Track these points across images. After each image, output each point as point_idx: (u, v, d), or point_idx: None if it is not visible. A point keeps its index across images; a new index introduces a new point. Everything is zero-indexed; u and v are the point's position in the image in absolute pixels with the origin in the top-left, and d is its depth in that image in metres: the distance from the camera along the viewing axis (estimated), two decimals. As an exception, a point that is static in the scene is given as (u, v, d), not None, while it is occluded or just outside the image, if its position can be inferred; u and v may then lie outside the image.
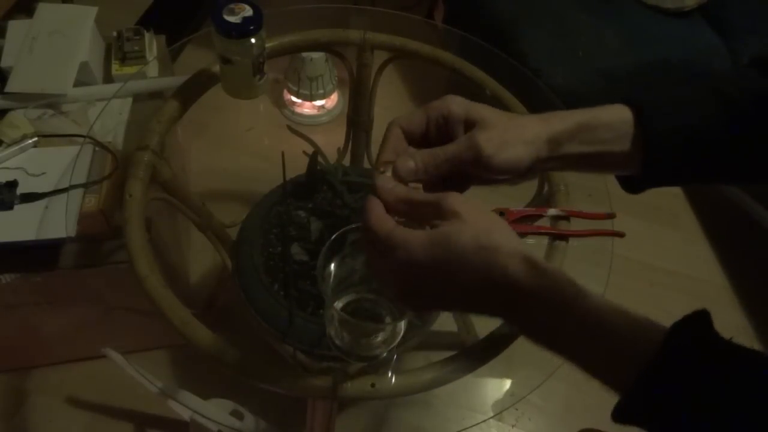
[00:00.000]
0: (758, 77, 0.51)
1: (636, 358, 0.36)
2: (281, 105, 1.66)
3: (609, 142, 0.49)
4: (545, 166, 0.50)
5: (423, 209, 0.44)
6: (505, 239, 0.41)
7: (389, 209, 0.44)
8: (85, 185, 0.90)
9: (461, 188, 0.51)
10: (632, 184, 0.53)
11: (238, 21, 0.72)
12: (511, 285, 0.40)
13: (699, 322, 0.37)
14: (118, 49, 1.11)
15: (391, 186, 0.45)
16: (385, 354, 0.63)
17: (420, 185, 0.49)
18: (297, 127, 0.98)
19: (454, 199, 0.42)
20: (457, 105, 0.49)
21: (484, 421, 1.22)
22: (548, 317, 0.40)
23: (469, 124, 0.49)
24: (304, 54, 1.50)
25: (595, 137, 0.49)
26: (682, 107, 0.50)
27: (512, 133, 0.47)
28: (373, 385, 0.62)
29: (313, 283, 0.81)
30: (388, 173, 0.48)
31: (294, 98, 1.61)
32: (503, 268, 0.40)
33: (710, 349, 0.37)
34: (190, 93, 0.83)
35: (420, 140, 0.51)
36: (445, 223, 0.41)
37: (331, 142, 0.97)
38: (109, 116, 1.01)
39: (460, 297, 0.42)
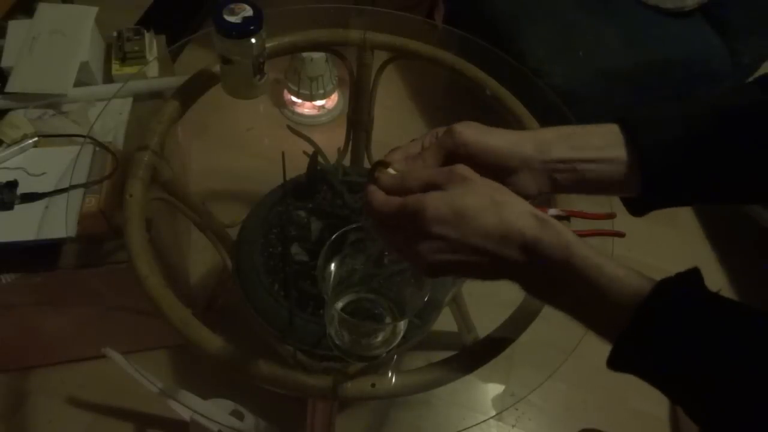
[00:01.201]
0: (759, 93, 0.50)
1: (629, 305, 0.39)
2: (281, 105, 1.67)
3: (601, 149, 0.49)
4: (538, 174, 0.49)
5: (437, 178, 0.45)
6: (513, 198, 0.44)
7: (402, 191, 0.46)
8: (85, 185, 0.90)
9: None
10: (637, 207, 0.53)
11: (238, 21, 0.72)
12: (520, 235, 0.42)
13: (689, 276, 0.40)
14: (119, 49, 1.11)
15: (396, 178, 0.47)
16: (385, 354, 0.63)
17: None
18: (297, 127, 0.98)
19: (463, 168, 0.44)
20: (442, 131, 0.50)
21: (484, 421, 1.22)
22: (549, 262, 0.42)
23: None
24: (304, 54, 1.50)
25: (586, 142, 0.49)
26: (671, 121, 0.50)
27: (494, 129, 0.50)
28: (373, 385, 0.62)
29: (313, 283, 0.81)
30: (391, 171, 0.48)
31: (294, 98, 1.61)
32: (515, 218, 0.43)
33: (698, 298, 0.39)
34: (190, 93, 0.83)
35: None
36: (458, 184, 0.44)
37: (331, 142, 0.97)
38: (109, 116, 1.01)
39: (479, 248, 0.43)
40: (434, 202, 0.43)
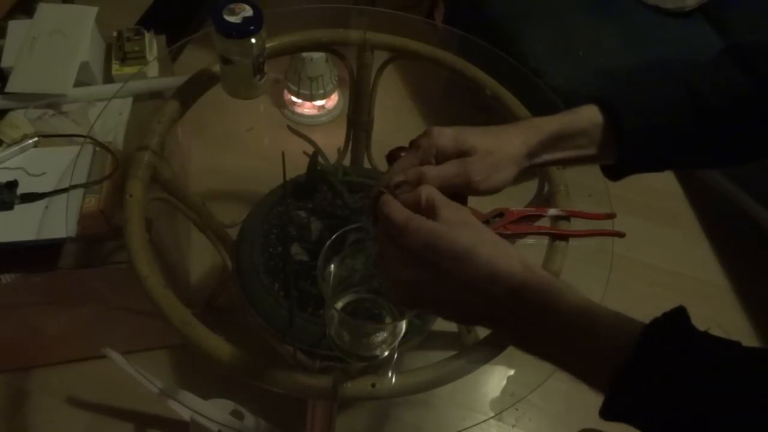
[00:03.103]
0: (734, 70, 0.54)
1: (615, 355, 0.38)
2: (281, 105, 1.66)
3: (584, 147, 0.54)
4: (526, 171, 0.55)
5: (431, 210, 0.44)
6: (505, 247, 0.43)
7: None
8: (85, 185, 0.90)
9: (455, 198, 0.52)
10: (612, 173, 0.58)
11: (238, 21, 0.72)
12: (506, 279, 0.41)
13: (676, 317, 0.38)
14: (119, 49, 1.11)
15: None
16: (385, 354, 0.63)
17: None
18: (297, 127, 0.98)
19: (464, 214, 0.44)
20: (445, 139, 0.51)
21: (484, 421, 1.22)
22: (531, 316, 0.41)
23: (460, 154, 0.51)
24: (305, 54, 1.50)
25: (571, 144, 0.54)
26: (653, 106, 0.54)
27: (498, 156, 0.51)
28: (373, 385, 0.62)
29: (313, 283, 0.81)
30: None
31: (294, 98, 1.61)
32: (504, 264, 0.41)
33: (687, 343, 0.37)
34: (190, 93, 0.83)
35: None
36: (459, 226, 0.43)
37: (331, 142, 0.97)
38: (109, 116, 1.01)
39: (459, 294, 0.42)
40: (432, 233, 0.41)
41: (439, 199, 0.44)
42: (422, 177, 0.48)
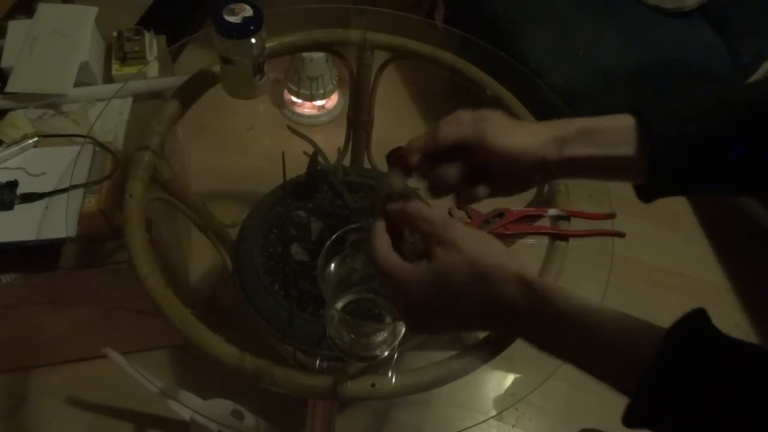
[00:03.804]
0: (765, 86, 0.51)
1: (637, 361, 0.37)
2: (281, 105, 1.67)
3: (613, 145, 0.50)
4: (553, 171, 0.51)
5: (423, 226, 0.46)
6: (497, 262, 0.43)
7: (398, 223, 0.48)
8: (85, 185, 0.90)
9: (472, 196, 0.52)
10: (645, 193, 0.53)
11: (238, 21, 0.72)
12: (507, 308, 0.43)
13: (697, 319, 0.38)
14: (119, 49, 1.11)
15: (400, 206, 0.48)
16: (385, 354, 0.63)
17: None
18: (297, 127, 0.98)
19: (450, 225, 0.45)
20: (465, 114, 0.51)
21: (484, 421, 1.22)
22: (545, 331, 0.42)
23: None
24: (305, 54, 1.50)
25: (600, 140, 0.50)
26: (685, 116, 0.50)
27: (519, 127, 0.50)
28: (373, 385, 0.62)
29: (313, 283, 0.81)
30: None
31: (294, 98, 1.61)
32: (499, 294, 0.43)
33: (710, 346, 0.37)
34: (190, 93, 0.83)
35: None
36: (441, 251, 0.44)
37: (331, 142, 0.97)
38: (109, 116, 1.01)
39: (463, 321, 0.46)
40: (419, 286, 0.44)
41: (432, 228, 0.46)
42: (438, 126, 0.50)
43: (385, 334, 0.62)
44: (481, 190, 0.52)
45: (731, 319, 1.43)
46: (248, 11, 0.72)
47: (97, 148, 0.94)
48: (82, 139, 0.97)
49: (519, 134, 0.50)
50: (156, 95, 1.08)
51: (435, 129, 0.50)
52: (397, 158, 0.51)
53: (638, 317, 0.40)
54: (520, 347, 0.69)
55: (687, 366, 0.36)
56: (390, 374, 0.63)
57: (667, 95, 0.53)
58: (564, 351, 0.42)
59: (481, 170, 0.51)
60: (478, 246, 0.44)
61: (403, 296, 0.45)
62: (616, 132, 0.50)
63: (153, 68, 1.12)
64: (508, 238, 0.77)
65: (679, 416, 0.37)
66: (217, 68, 0.81)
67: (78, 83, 1.04)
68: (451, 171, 0.50)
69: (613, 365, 0.39)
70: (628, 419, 0.38)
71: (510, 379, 1.25)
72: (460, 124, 0.50)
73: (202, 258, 1.32)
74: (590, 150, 0.50)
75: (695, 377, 0.36)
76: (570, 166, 0.51)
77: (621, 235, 0.74)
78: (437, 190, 0.51)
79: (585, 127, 0.50)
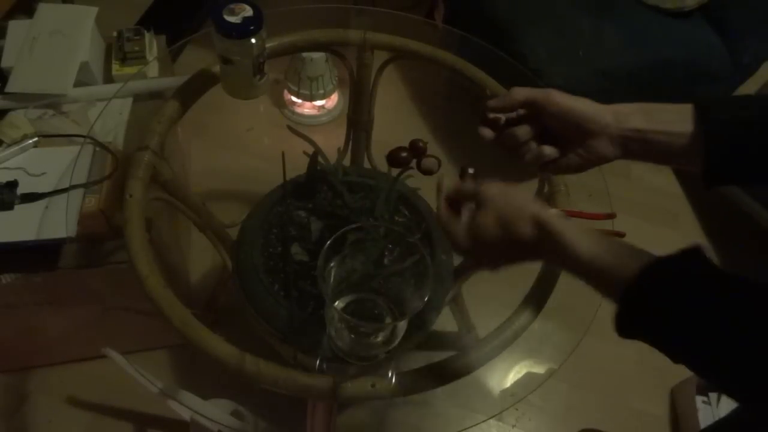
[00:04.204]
0: None
1: (625, 277, 0.45)
2: (281, 105, 1.67)
3: (671, 122, 0.53)
4: (614, 140, 0.56)
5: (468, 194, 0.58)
6: (514, 209, 0.54)
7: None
8: (85, 185, 0.90)
9: (541, 155, 0.59)
10: (706, 180, 0.55)
11: (238, 21, 0.72)
12: (523, 243, 0.53)
13: (691, 250, 0.45)
14: (119, 49, 1.11)
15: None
16: (385, 354, 0.63)
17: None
18: (297, 127, 0.98)
19: (484, 189, 0.57)
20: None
21: (484, 421, 1.22)
22: (555, 259, 0.53)
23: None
24: (304, 54, 1.50)
25: (658, 117, 0.54)
26: (741, 103, 0.54)
27: (579, 98, 0.57)
28: (373, 385, 0.62)
29: (313, 283, 0.81)
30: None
31: (294, 98, 1.61)
32: (516, 234, 0.54)
33: (697, 266, 0.44)
34: (190, 93, 0.83)
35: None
36: (480, 210, 0.56)
37: (331, 142, 0.97)
38: (110, 116, 1.01)
39: (505, 255, 0.56)
40: (467, 234, 0.56)
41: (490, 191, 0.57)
42: (507, 95, 0.59)
43: (385, 334, 0.62)
44: (548, 149, 0.59)
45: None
46: (248, 11, 0.72)
47: (97, 148, 0.94)
48: (82, 139, 0.97)
49: (581, 101, 0.57)
50: (156, 95, 1.08)
51: (506, 93, 0.59)
52: (481, 114, 0.60)
53: (635, 246, 0.48)
54: (519, 347, 0.69)
55: (669, 278, 0.44)
56: (390, 374, 0.63)
57: (667, 95, 0.55)
58: (572, 273, 0.51)
59: (549, 133, 0.59)
60: (502, 199, 0.55)
61: (459, 241, 0.56)
62: (673, 112, 0.54)
63: (153, 68, 1.12)
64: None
65: (662, 320, 0.43)
66: (217, 68, 0.81)
67: (78, 83, 1.04)
68: (522, 130, 0.58)
69: (607, 282, 0.47)
70: (619, 326, 0.46)
71: (510, 379, 1.25)
72: (529, 89, 0.58)
73: (202, 258, 1.32)
74: (648, 124, 0.54)
75: (678, 285, 0.43)
76: (632, 138, 0.55)
77: (621, 235, 0.74)
78: (509, 146, 0.60)
79: (644, 106, 0.55)
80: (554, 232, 0.51)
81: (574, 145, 0.57)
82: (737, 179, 0.54)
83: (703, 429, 0.64)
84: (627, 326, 0.46)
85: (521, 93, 0.59)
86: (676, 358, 0.43)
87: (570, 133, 0.57)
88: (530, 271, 0.71)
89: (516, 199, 0.55)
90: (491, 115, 0.59)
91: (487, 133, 0.60)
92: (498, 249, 0.55)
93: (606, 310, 0.49)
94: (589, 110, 0.56)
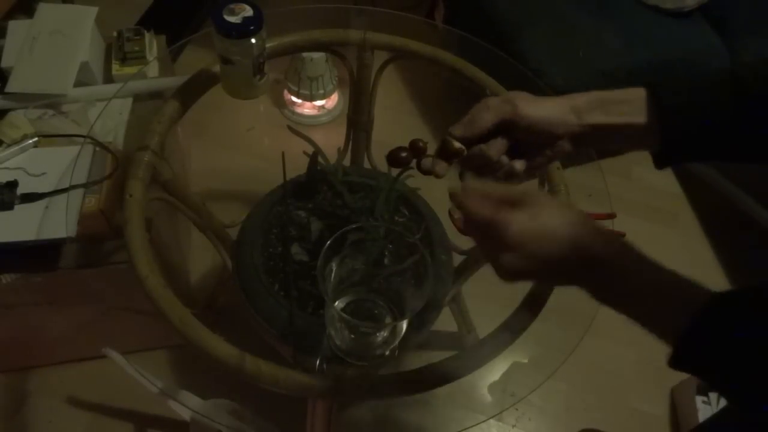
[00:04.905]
0: None
1: (689, 310, 0.43)
2: (281, 105, 1.67)
3: (628, 114, 0.55)
4: (578, 139, 0.57)
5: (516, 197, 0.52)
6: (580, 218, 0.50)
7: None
8: (85, 185, 0.90)
9: (512, 171, 0.58)
10: (659, 160, 0.58)
11: (238, 21, 0.72)
12: (587, 251, 0.49)
13: (744, 291, 0.43)
14: (119, 49, 1.11)
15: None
16: (385, 354, 0.63)
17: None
18: (297, 127, 0.98)
19: (538, 195, 0.52)
20: (492, 99, 0.57)
21: (484, 421, 1.22)
22: (615, 277, 0.48)
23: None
24: (305, 54, 1.50)
25: (616, 110, 0.55)
26: (694, 86, 0.54)
27: (543, 99, 0.57)
28: (373, 385, 0.62)
29: (313, 283, 0.81)
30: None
31: (294, 98, 1.61)
32: (582, 239, 0.49)
33: (757, 303, 0.42)
34: (190, 93, 0.83)
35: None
36: (535, 207, 0.51)
37: (331, 142, 0.97)
38: (110, 116, 1.01)
39: (550, 262, 0.50)
40: (518, 224, 0.49)
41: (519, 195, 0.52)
42: (475, 112, 0.56)
43: (385, 334, 0.62)
44: (518, 164, 0.58)
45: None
46: (248, 11, 0.72)
47: (97, 148, 0.94)
48: (82, 139, 0.97)
49: (545, 105, 0.56)
50: (156, 95, 1.08)
51: (471, 118, 0.57)
52: (439, 149, 0.57)
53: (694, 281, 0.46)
54: (520, 348, 0.69)
55: (729, 316, 0.42)
56: (390, 374, 0.63)
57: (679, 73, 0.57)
58: (625, 297, 0.48)
59: (516, 149, 0.57)
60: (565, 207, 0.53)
61: (506, 238, 0.50)
62: (629, 103, 0.55)
63: (153, 68, 1.12)
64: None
65: (719, 361, 0.42)
66: (217, 68, 0.81)
67: (78, 83, 1.04)
68: (493, 149, 0.57)
69: (667, 313, 0.45)
70: (674, 360, 0.44)
71: (510, 379, 1.25)
72: (493, 108, 0.56)
73: (202, 258, 1.32)
74: (607, 118, 0.55)
75: (736, 325, 0.41)
76: (591, 133, 0.56)
77: (621, 235, 0.74)
78: (478, 165, 0.58)
79: (601, 98, 0.56)
80: (619, 242, 0.49)
81: (542, 148, 0.58)
82: (688, 160, 0.57)
83: (701, 423, 0.64)
84: (683, 362, 0.44)
85: (487, 118, 0.56)
86: (729, 394, 0.44)
87: (539, 139, 0.57)
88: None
89: (572, 213, 0.51)
90: (456, 145, 0.56)
91: (441, 169, 0.57)
92: (554, 248, 0.49)
93: (606, 309, 0.49)
94: (556, 114, 0.56)
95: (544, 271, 0.50)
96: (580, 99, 0.57)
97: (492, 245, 0.51)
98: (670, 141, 0.54)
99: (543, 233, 0.49)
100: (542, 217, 0.49)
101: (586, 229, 0.49)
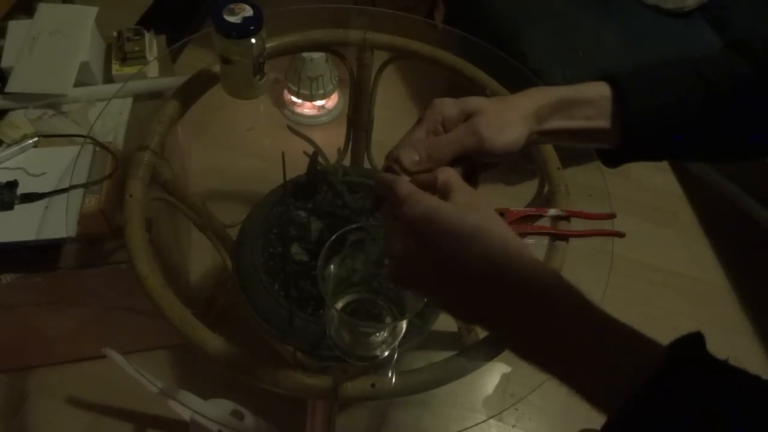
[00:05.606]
0: (738, 60, 0.53)
1: (633, 375, 0.35)
2: (281, 105, 1.67)
3: (591, 118, 0.52)
4: (533, 139, 0.52)
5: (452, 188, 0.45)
6: (505, 241, 0.40)
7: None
8: (85, 185, 0.90)
9: (469, 178, 0.52)
10: (612, 159, 0.56)
11: (238, 21, 0.72)
12: (508, 272, 0.39)
13: (694, 343, 0.36)
14: (119, 49, 1.11)
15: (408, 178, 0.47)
16: (385, 354, 0.63)
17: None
18: (297, 127, 0.98)
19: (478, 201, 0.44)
20: (448, 108, 0.51)
21: (484, 421, 1.22)
22: (535, 316, 0.39)
23: (467, 118, 0.51)
24: (305, 54, 1.50)
25: (578, 113, 0.52)
26: (661, 87, 0.53)
27: (507, 115, 0.50)
28: (373, 385, 0.62)
29: (313, 283, 0.81)
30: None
31: (294, 98, 1.61)
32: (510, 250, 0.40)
33: (706, 368, 0.35)
34: (190, 93, 0.83)
35: None
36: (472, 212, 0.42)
37: (331, 142, 0.97)
38: (110, 116, 1.01)
39: (461, 278, 0.40)
40: (435, 209, 0.41)
41: (456, 182, 0.44)
42: (437, 144, 0.48)
43: (385, 334, 0.62)
44: (479, 180, 0.53)
45: (731, 319, 1.43)
46: (248, 11, 0.72)
47: (97, 148, 0.94)
48: (82, 139, 0.97)
49: (511, 128, 0.50)
50: (156, 95, 1.08)
51: (428, 154, 0.48)
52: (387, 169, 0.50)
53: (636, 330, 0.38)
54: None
55: (681, 389, 0.34)
56: (390, 374, 0.63)
57: (649, 65, 0.56)
58: (548, 343, 0.38)
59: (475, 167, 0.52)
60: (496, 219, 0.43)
61: (415, 219, 0.42)
62: (593, 104, 0.52)
63: (153, 68, 1.12)
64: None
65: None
66: (217, 68, 0.81)
67: (78, 83, 1.04)
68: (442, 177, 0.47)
69: (603, 375, 0.38)
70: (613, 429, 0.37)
71: (510, 379, 1.25)
72: (455, 142, 0.48)
73: (202, 258, 1.32)
74: (568, 123, 0.52)
75: (689, 400, 0.34)
76: (550, 136, 0.53)
77: (621, 235, 0.74)
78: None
79: (565, 101, 0.52)
80: (555, 273, 0.40)
81: (503, 162, 0.52)
82: (641, 161, 0.55)
83: None
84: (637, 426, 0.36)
85: (446, 153, 0.48)
86: None
87: (494, 161, 0.51)
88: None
89: (504, 226, 0.41)
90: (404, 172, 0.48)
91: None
92: (471, 256, 0.39)
93: (609, 307, 0.49)
94: (520, 137, 0.50)
95: (440, 278, 0.40)
96: (544, 101, 0.51)
97: (394, 227, 0.43)
98: (630, 144, 0.52)
99: (461, 231, 0.39)
100: (469, 217, 0.40)
101: (521, 253, 0.39)
